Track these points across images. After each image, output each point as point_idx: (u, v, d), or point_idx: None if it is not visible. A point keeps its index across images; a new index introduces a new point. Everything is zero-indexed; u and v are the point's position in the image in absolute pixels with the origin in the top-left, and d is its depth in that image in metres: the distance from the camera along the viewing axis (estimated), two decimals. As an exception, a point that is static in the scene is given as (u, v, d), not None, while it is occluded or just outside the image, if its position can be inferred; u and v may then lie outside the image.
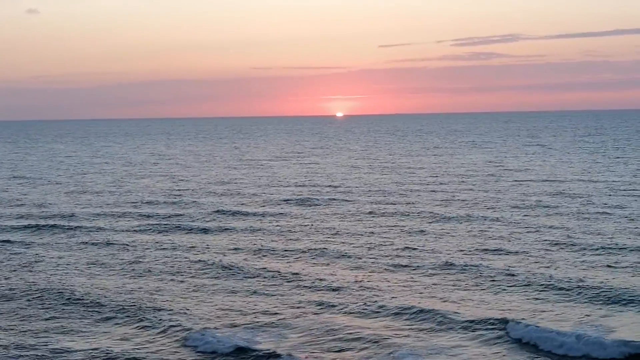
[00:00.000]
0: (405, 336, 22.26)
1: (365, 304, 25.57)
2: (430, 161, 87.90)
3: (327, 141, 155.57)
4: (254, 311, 25.16)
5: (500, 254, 32.90)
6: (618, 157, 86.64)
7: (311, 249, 34.94)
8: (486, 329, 22.62)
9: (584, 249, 33.50)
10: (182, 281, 29.59)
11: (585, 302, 25.32)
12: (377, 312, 24.71)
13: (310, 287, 28.08)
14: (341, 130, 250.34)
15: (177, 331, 23.23)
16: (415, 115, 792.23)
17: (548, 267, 30.23)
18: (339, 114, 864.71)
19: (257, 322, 23.97)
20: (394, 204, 49.48)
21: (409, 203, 49.57)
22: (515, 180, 62.04)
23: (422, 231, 39.01)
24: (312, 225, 41.77)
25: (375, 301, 25.82)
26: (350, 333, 22.59)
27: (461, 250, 33.90)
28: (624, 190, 53.81)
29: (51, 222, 44.03)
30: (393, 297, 26.32)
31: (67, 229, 41.92)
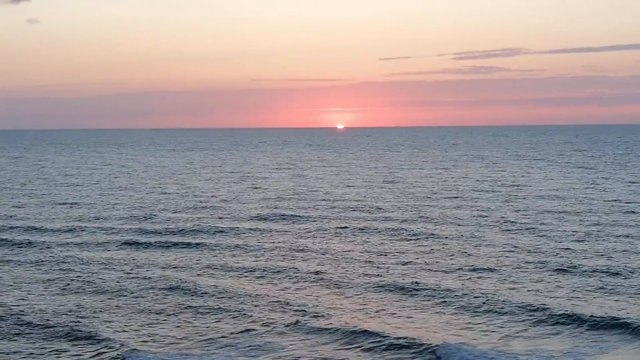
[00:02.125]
0: (337, 357, 22.00)
1: (296, 323, 25.26)
2: (419, 175, 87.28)
3: (317, 153, 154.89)
4: (199, 331, 24.78)
5: (452, 273, 32.47)
6: (604, 174, 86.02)
7: (264, 267, 34.51)
8: (416, 351, 22.29)
9: (541, 267, 33.00)
10: (128, 300, 29.09)
11: (521, 323, 24.97)
12: (309, 331, 24.40)
13: (256, 305, 27.67)
14: (340, 142, 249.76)
15: (114, 351, 22.74)
16: (415, 128, 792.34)
17: (491, 287, 29.77)
18: (340, 126, 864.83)
19: (203, 342, 23.60)
20: (366, 219, 49.00)
21: (378, 219, 49.08)
22: (497, 197, 61.51)
23: (382, 249, 38.59)
24: (271, 241, 41.21)
25: (307, 321, 25.46)
26: (276, 351, 22.45)
27: (415, 270, 33.43)
28: (596, 208, 53.36)
29: (6, 236, 43.53)
30: (330, 317, 25.96)
31: (22, 244, 41.28)
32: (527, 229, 44.13)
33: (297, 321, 25.36)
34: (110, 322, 26.00)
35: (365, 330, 24.11)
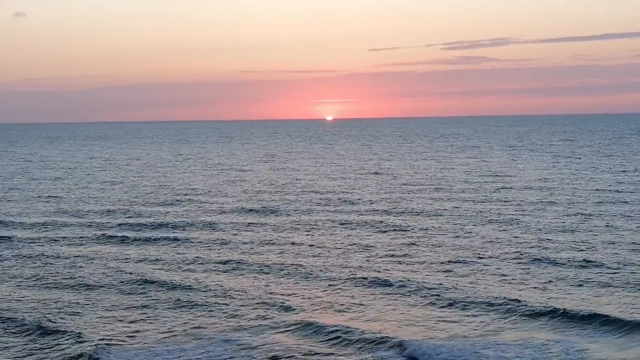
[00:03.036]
0: (302, 352, 21.81)
1: (265, 317, 25.10)
2: (403, 167, 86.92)
3: (304, 145, 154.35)
4: (172, 326, 24.54)
5: (428, 266, 32.27)
6: (589, 164, 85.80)
7: (239, 260, 34.26)
8: (382, 347, 22.02)
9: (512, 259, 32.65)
10: (102, 295, 28.77)
11: (488, 316, 24.71)
12: (274, 327, 24.18)
13: (229, 299, 27.38)
14: (329, 133, 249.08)
15: (85, 347, 22.40)
16: (405, 118, 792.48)
17: (459, 281, 29.45)
18: (329, 118, 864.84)
19: (175, 338, 23.38)
20: (346, 212, 48.70)
21: (358, 212, 48.85)
22: (480, 188, 61.19)
23: (360, 242, 38.32)
24: (249, 235, 40.93)
25: (274, 316, 25.28)
26: (241, 344, 22.35)
27: (391, 263, 33.19)
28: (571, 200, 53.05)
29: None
30: (296, 311, 25.75)
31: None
32: (507, 220, 43.89)
33: (265, 315, 25.15)
34: (83, 316, 25.79)
35: (335, 325, 23.84)
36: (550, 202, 51.39)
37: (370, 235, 40.30)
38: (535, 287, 28.38)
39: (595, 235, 38.51)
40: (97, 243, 39.40)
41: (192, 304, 27.04)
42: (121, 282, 30.52)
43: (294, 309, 26.05)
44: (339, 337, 22.96)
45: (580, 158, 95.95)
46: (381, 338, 22.52)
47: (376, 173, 78.38)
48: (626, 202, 50.73)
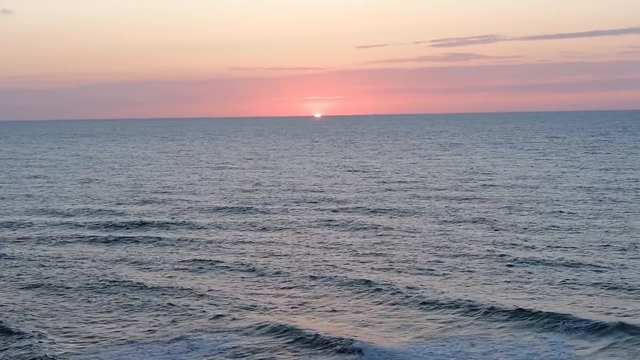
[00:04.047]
0: (259, 353, 21.54)
1: (226, 318, 24.84)
2: (386, 164, 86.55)
3: (291, 142, 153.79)
4: (132, 328, 24.21)
5: (394, 268, 31.80)
6: (573, 161, 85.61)
7: (204, 260, 33.79)
8: (339, 348, 21.73)
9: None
10: (65, 296, 28.28)
11: (453, 317, 24.32)
12: (238, 330, 23.76)
13: (190, 300, 26.90)
14: (316, 131, 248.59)
15: (45, 351, 21.95)
16: (393, 116, 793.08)
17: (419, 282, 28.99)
18: (317, 115, 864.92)
19: (134, 338, 23.07)
20: (321, 211, 48.20)
21: (333, 210, 48.34)
22: (460, 186, 60.84)
23: (328, 242, 37.99)
24: (220, 235, 40.45)
25: (235, 316, 24.99)
26: (196, 347, 22.10)
27: (357, 264, 32.75)
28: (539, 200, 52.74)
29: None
30: (257, 312, 25.46)
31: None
32: (480, 219, 43.47)
33: (220, 315, 24.99)
34: (46, 318, 25.32)
35: (292, 326, 23.52)
36: (530, 200, 51.03)
37: (342, 234, 39.86)
38: (505, 288, 28.01)
39: (573, 234, 38.16)
40: (67, 242, 38.84)
41: (157, 304, 26.64)
42: (87, 283, 30.00)
43: (255, 309, 25.73)
44: (299, 338, 22.59)
45: (563, 155, 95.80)
46: (339, 340, 22.13)
47: (354, 170, 78.02)
48: (604, 200, 50.40)
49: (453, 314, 24.88)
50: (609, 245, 34.96)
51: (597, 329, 22.72)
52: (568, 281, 28.68)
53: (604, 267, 30.73)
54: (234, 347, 22.11)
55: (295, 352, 21.84)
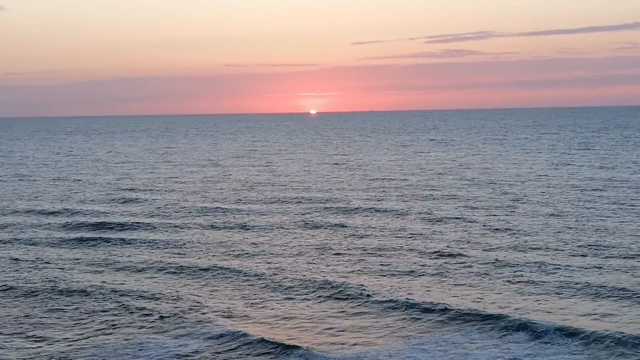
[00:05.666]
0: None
1: (179, 323, 24.09)
2: (377, 161, 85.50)
3: (284, 140, 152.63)
4: (85, 332, 23.62)
5: (356, 270, 30.84)
6: (567, 158, 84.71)
7: (170, 263, 32.82)
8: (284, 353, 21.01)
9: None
10: (26, 301, 27.43)
11: (408, 321, 23.49)
12: (191, 334, 23.05)
13: (139, 305, 26.01)
14: (311, 128, 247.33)
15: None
16: (388, 112, 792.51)
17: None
18: (313, 112, 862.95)
19: (87, 342, 22.46)
20: (298, 212, 47.12)
21: (316, 210, 47.26)
22: (450, 185, 59.84)
23: (302, 243, 37.02)
24: (195, 236, 39.28)
25: (187, 322, 24.18)
26: (147, 349, 21.57)
27: (319, 266, 31.77)
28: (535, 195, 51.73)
29: None
30: (204, 314, 24.75)
31: None
32: (455, 217, 42.50)
33: (163, 316, 24.46)
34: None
35: (238, 331, 22.80)
36: (520, 198, 49.88)
37: (314, 234, 38.86)
38: (467, 291, 27.05)
39: (558, 234, 37.02)
40: (30, 244, 37.72)
41: (109, 308, 25.88)
42: (43, 287, 29.00)
43: (201, 312, 25.08)
44: (246, 343, 21.78)
45: (556, 152, 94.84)
46: (284, 347, 21.29)
47: (350, 169, 76.72)
48: (597, 199, 49.37)
49: (409, 316, 24.00)
50: (591, 246, 33.85)
51: (568, 334, 21.92)
52: (546, 284, 27.74)
53: (579, 268, 29.85)
54: (176, 354, 21.39)
55: (238, 358, 20.97)
